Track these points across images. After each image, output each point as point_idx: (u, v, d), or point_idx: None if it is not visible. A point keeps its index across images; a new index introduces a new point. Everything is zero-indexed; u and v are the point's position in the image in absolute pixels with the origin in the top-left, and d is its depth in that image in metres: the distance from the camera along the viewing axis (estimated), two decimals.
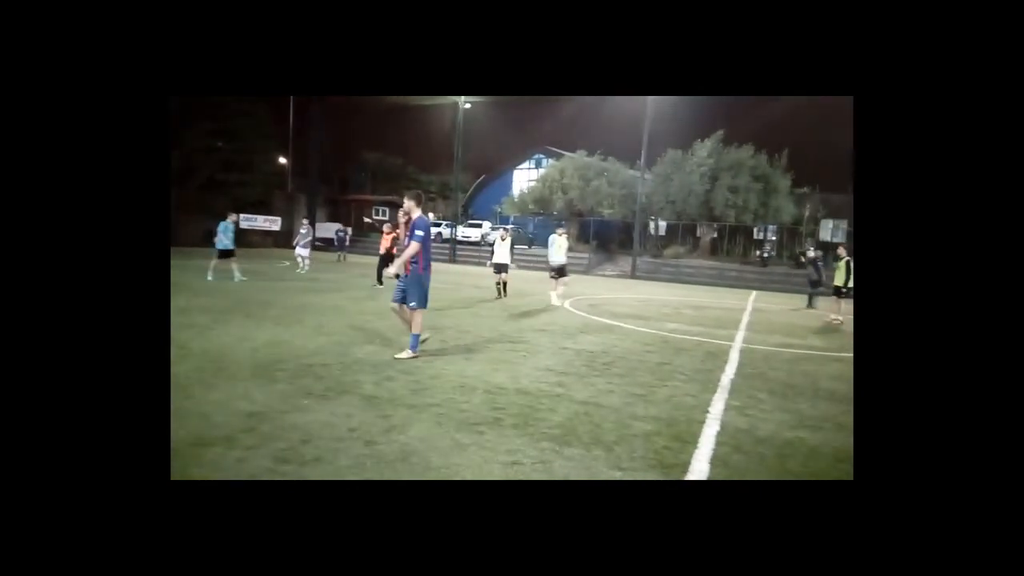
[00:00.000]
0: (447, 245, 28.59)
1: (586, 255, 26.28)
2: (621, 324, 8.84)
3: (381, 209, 36.26)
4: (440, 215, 35.15)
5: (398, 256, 5.25)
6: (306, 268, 15.59)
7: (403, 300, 5.31)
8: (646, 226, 27.91)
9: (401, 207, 5.74)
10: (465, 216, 33.52)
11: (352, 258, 22.48)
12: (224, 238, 11.96)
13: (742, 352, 7.03)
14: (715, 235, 28.11)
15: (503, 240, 12.16)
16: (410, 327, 5.36)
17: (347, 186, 38.09)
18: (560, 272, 11.48)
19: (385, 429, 3.36)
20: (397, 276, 5.35)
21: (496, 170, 38.07)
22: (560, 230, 11.89)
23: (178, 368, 4.42)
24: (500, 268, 11.88)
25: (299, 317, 7.24)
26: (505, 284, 11.84)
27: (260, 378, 4.31)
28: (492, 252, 12.63)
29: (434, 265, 5.79)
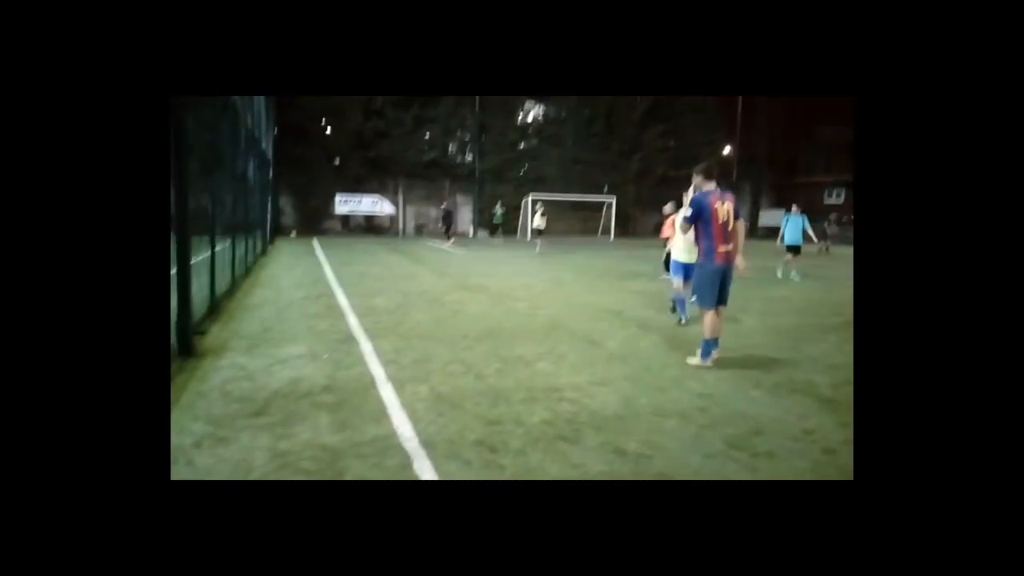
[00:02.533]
0: None
1: None
2: None
3: (835, 192, 31.88)
4: None
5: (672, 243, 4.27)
6: None
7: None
8: None
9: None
10: None
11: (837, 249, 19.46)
12: (788, 234, 10.59)
13: None
14: None
15: None
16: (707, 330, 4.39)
17: (796, 168, 35.06)
18: None
19: (849, 440, 2.95)
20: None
21: None
22: None
23: (640, 343, 5.10)
24: None
25: (744, 306, 7.14)
26: None
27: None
28: None
29: None
